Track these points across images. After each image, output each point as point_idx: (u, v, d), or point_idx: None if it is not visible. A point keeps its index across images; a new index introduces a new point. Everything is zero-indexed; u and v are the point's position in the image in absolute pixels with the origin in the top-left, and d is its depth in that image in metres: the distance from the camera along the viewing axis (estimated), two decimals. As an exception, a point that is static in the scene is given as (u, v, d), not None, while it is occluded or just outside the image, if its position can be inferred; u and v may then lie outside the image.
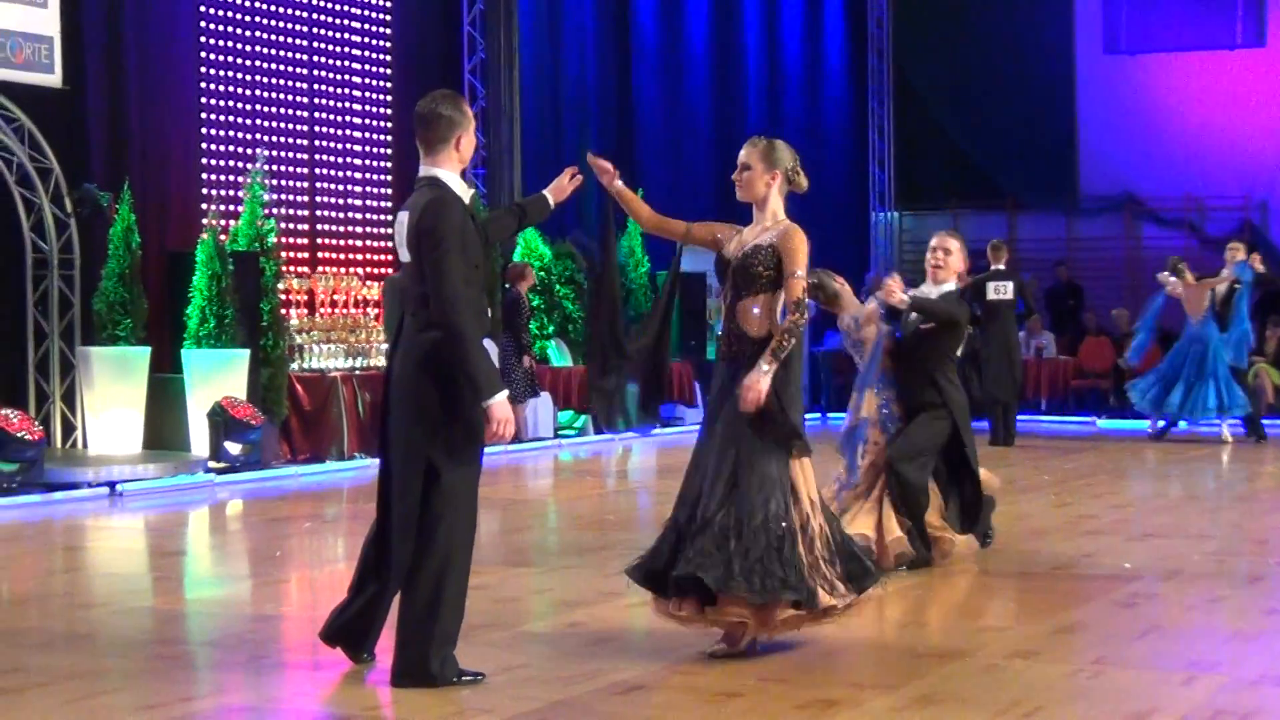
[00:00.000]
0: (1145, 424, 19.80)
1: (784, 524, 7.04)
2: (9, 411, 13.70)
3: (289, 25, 18.34)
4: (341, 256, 18.82)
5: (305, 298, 17.55)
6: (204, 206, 16.93)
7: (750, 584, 6.91)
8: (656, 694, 6.59)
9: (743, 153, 7.47)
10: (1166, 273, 19.13)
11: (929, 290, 9.99)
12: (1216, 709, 6.30)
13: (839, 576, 7.17)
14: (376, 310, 17.72)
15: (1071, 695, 6.57)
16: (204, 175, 17.35)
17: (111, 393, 15.16)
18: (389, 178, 19.42)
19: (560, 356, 20.35)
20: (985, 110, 27.26)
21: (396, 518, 6.71)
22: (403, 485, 6.69)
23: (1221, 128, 25.82)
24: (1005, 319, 18.47)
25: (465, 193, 6.77)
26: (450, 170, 6.75)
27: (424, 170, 6.77)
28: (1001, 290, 18.37)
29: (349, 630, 7.00)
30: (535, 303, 19.58)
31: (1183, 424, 19.33)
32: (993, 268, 18.58)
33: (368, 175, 19.26)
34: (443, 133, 6.72)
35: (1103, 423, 21.90)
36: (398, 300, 14.92)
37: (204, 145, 17.40)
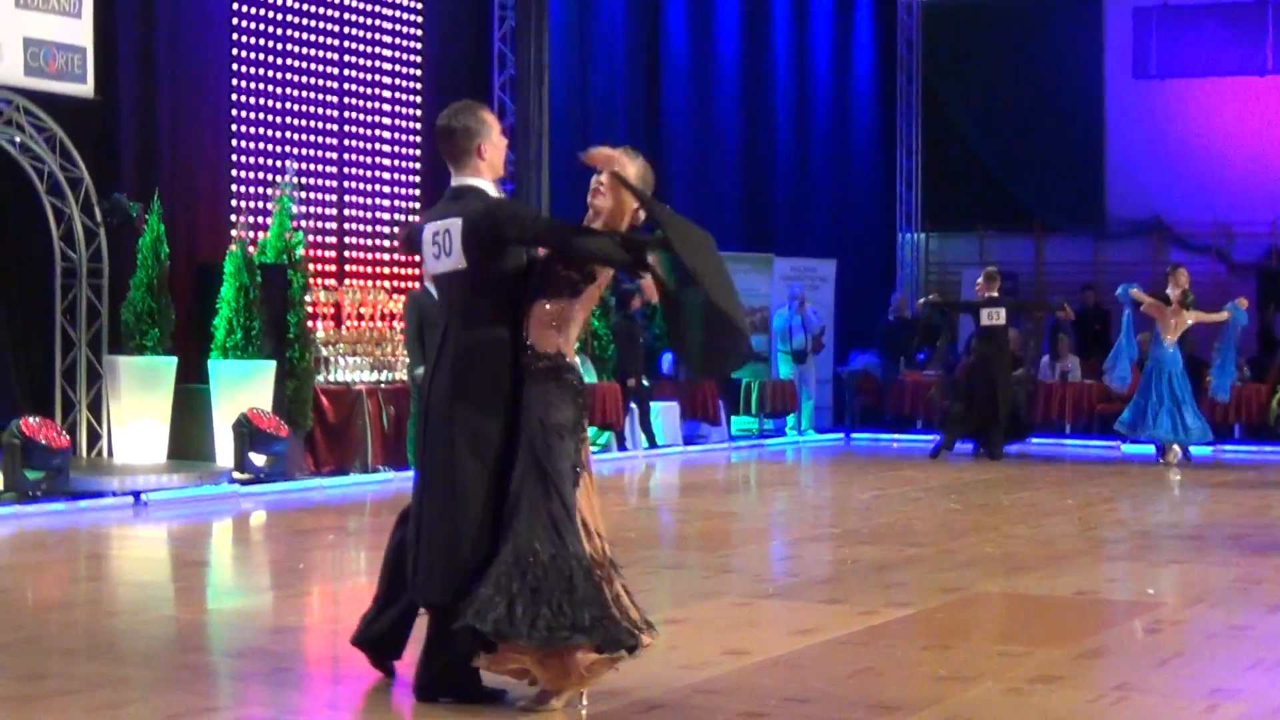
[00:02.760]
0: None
1: (574, 560, 6.34)
2: (36, 419, 13.74)
3: (320, 39, 18.38)
4: (368, 270, 18.84)
5: (332, 310, 17.58)
6: (233, 218, 16.97)
7: (533, 628, 6.22)
8: (677, 713, 6.57)
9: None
10: (1137, 287, 19.60)
11: None
12: (1239, 737, 6.29)
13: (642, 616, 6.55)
14: (402, 324, 17.73)
15: (1094, 721, 6.55)
16: (233, 187, 17.40)
17: (138, 402, 15.19)
18: (417, 192, 19.44)
19: (587, 374, 20.35)
20: (1013, 132, 27.24)
21: (467, 524, 6.44)
22: (473, 489, 6.45)
23: (1251, 153, 25.76)
24: (998, 343, 19.82)
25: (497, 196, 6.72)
26: (482, 179, 6.67)
27: (459, 179, 6.66)
28: (995, 316, 19.79)
29: (381, 640, 6.97)
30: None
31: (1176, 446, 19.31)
32: (985, 295, 19.95)
33: (396, 189, 19.28)
34: (463, 144, 6.64)
35: (1127, 447, 21.82)
36: (417, 315, 15.03)
37: (234, 157, 17.44)
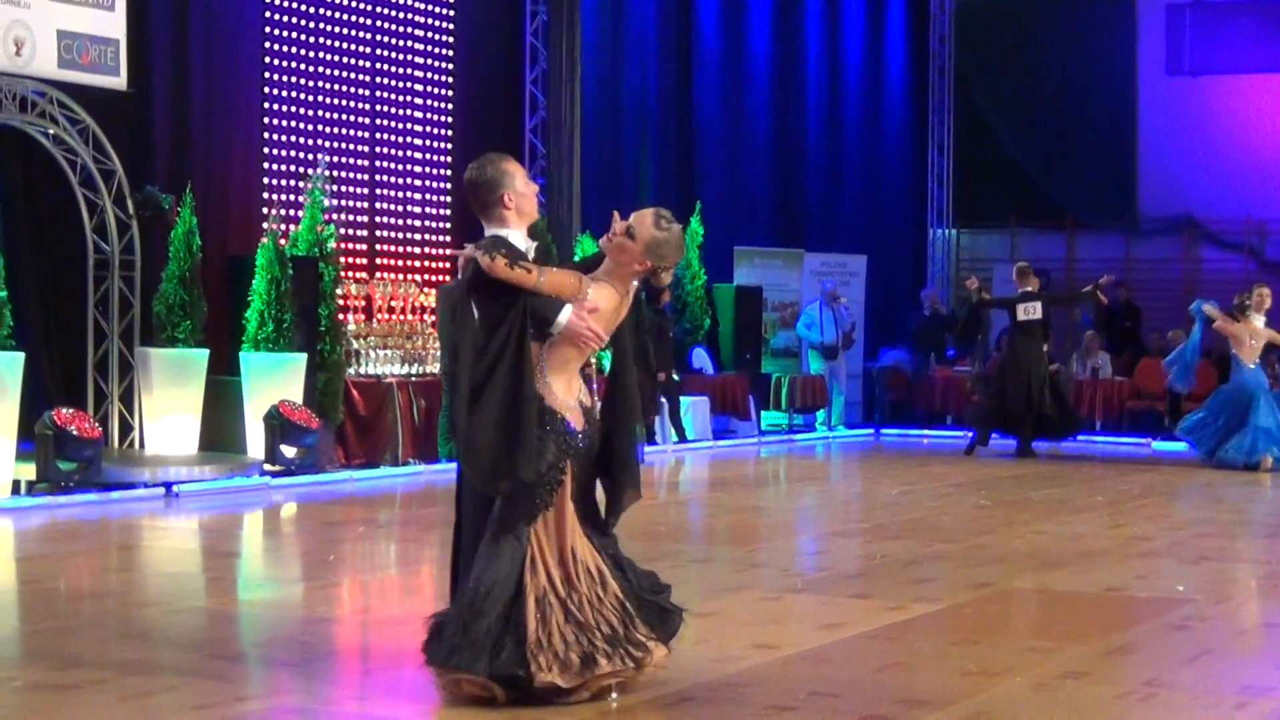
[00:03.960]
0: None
1: (486, 594, 6.48)
2: (68, 410, 13.81)
3: (352, 33, 18.42)
4: (399, 263, 18.88)
5: (363, 303, 17.63)
6: (265, 211, 17.01)
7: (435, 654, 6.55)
8: (706, 706, 6.59)
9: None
10: (1213, 304, 18.42)
11: None
12: (1268, 734, 6.28)
13: (604, 641, 6.51)
14: (433, 317, 17.76)
15: (1122, 717, 6.55)
16: (265, 180, 17.45)
17: (169, 394, 15.24)
18: (449, 185, 19.46)
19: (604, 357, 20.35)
20: (1046, 129, 27.21)
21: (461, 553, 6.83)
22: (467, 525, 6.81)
23: (1283, 150, 25.71)
24: (1033, 338, 19.61)
25: (526, 245, 6.77)
26: (507, 228, 6.73)
27: (487, 232, 6.76)
28: (1030, 311, 19.61)
29: None
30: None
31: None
32: (1021, 290, 19.82)
33: (427, 183, 19.32)
34: (486, 196, 6.74)
35: (1158, 444, 21.77)
36: (451, 307, 15.06)
37: (266, 150, 17.49)
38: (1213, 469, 17.73)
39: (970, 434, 20.28)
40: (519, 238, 6.75)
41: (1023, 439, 19.58)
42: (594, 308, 6.66)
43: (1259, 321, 18.02)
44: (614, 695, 6.56)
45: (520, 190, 6.77)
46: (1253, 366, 17.82)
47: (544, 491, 6.57)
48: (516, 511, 6.54)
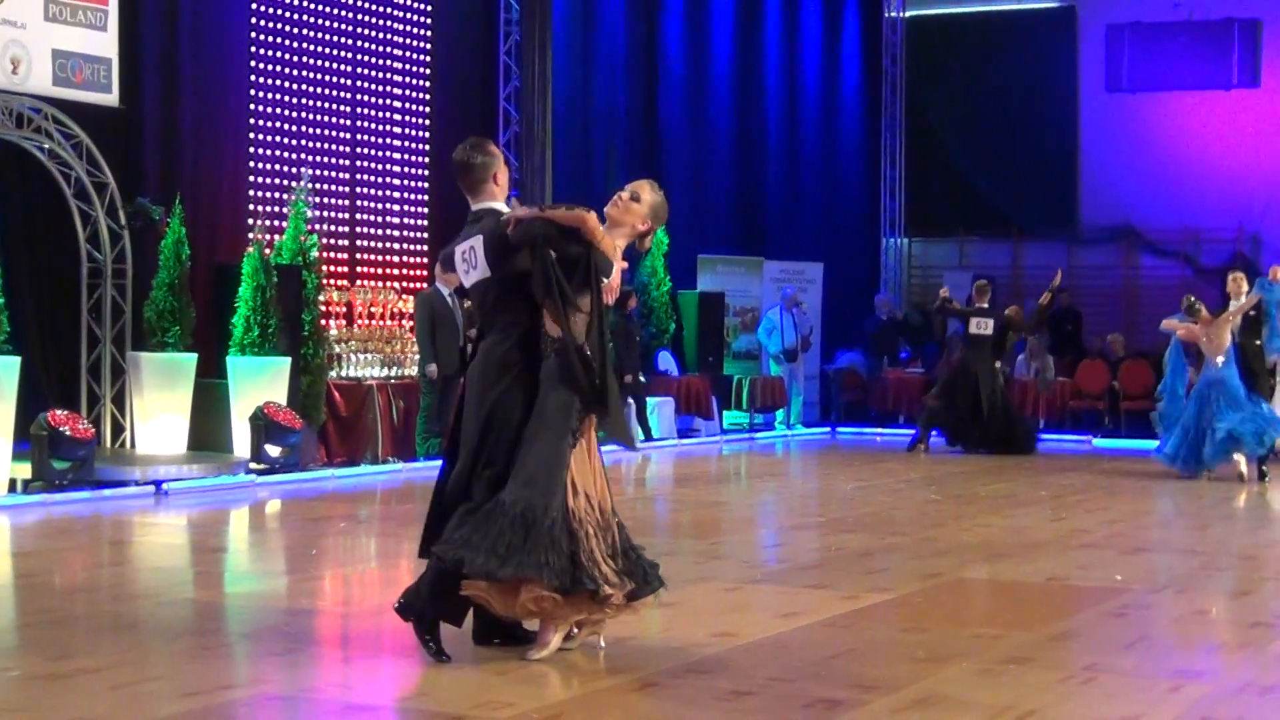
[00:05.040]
0: (1145, 443, 19.64)
1: (539, 508, 6.77)
2: (62, 412, 13.77)
3: (334, 52, 18.39)
4: (379, 271, 18.85)
5: (344, 309, 17.60)
6: (250, 222, 16.97)
7: (492, 561, 6.69)
8: (670, 692, 6.60)
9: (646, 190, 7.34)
10: (1174, 319, 16.84)
11: None
12: (1202, 715, 6.30)
13: (616, 572, 6.94)
14: (411, 322, 17.74)
15: (1063, 699, 6.57)
16: (251, 192, 17.41)
17: (159, 396, 15.21)
18: (426, 198, 19.45)
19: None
20: (993, 143, 27.30)
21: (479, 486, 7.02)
22: (492, 455, 6.99)
23: (1217, 163, 25.81)
24: (984, 351, 19.77)
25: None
26: (496, 201, 7.30)
27: (479, 204, 7.30)
28: (983, 326, 19.79)
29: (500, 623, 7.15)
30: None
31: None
32: (976, 305, 20.02)
33: (406, 195, 19.29)
34: (480, 174, 7.29)
35: (1098, 441, 21.86)
36: (429, 313, 15.20)
37: (252, 164, 17.46)
38: (1193, 477, 16.28)
39: (914, 431, 20.38)
40: (504, 207, 7.28)
41: (965, 447, 19.71)
42: (624, 266, 7.30)
43: (1233, 306, 16.88)
44: (602, 644, 7.05)
45: (503, 169, 7.36)
46: (1220, 362, 16.16)
47: (579, 418, 6.98)
48: (552, 432, 6.89)
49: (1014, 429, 19.93)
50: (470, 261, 7.16)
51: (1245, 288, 17.15)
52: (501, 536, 6.70)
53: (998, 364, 19.93)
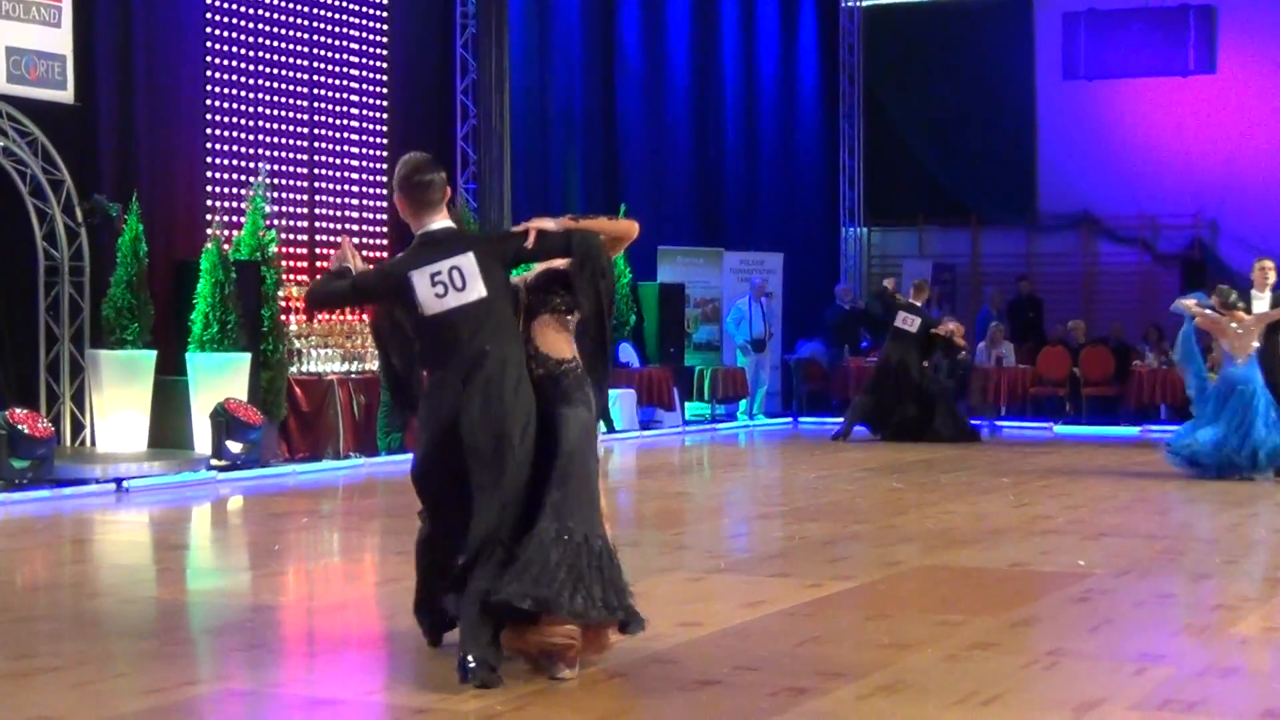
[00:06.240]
0: (1106, 430, 19.71)
1: (600, 540, 6.60)
2: (22, 410, 13.70)
3: (291, 46, 18.31)
4: (339, 266, 18.76)
5: (304, 304, 17.54)
6: (208, 217, 16.90)
7: (572, 603, 6.40)
8: (635, 682, 6.60)
9: None
10: (1190, 300, 15.49)
11: None
12: (1165, 698, 6.33)
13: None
14: (370, 317, 17.71)
15: (1027, 684, 6.59)
16: (208, 188, 17.32)
17: (119, 394, 15.14)
18: (384, 190, 19.39)
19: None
20: (950, 132, 27.37)
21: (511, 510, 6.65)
22: (516, 480, 6.64)
23: (1174, 150, 25.93)
24: (907, 346, 19.91)
25: None
26: (449, 221, 6.94)
27: (439, 224, 6.87)
28: (909, 323, 19.96)
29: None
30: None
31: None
32: (911, 301, 20.19)
33: (364, 189, 19.23)
34: (441, 192, 6.89)
35: (1059, 428, 21.95)
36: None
37: (209, 159, 17.37)
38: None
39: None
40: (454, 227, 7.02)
41: (884, 436, 19.88)
42: None
43: (1260, 304, 15.26)
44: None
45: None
46: (1243, 361, 14.89)
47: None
48: (595, 466, 6.82)
49: (941, 417, 19.91)
50: (452, 283, 6.67)
51: (1272, 278, 15.30)
52: (583, 575, 6.44)
53: (925, 364, 19.95)
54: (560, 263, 6.88)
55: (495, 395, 6.61)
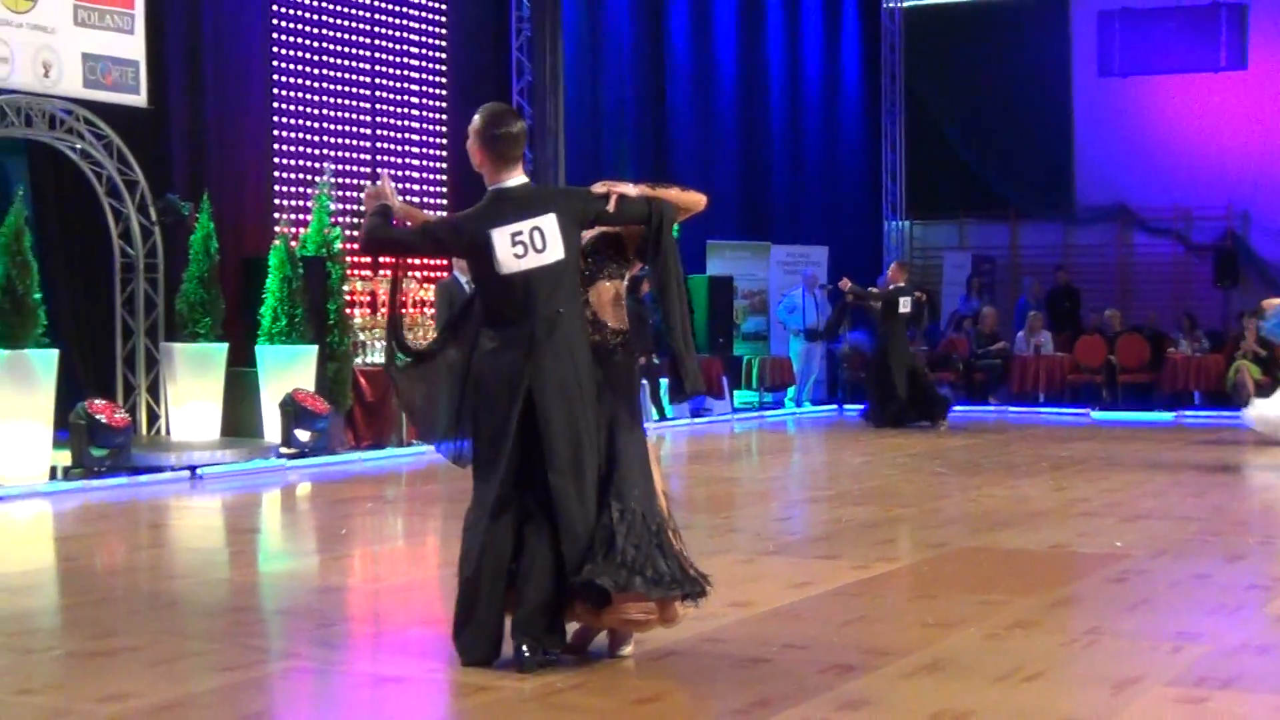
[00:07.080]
0: (1134, 415, 19.57)
1: (658, 517, 6.43)
2: (100, 401, 13.80)
3: (353, 50, 18.39)
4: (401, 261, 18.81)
5: (368, 298, 17.61)
6: (276, 215, 16.99)
7: (645, 580, 6.25)
8: (689, 659, 6.60)
9: None
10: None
11: None
12: (1200, 675, 6.30)
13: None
14: (432, 310, 17.73)
15: (1067, 662, 6.57)
16: (276, 187, 17.42)
17: (192, 385, 15.22)
18: (444, 189, 19.44)
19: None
20: (989, 127, 27.25)
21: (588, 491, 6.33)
22: (590, 459, 6.33)
23: (1206, 144, 25.75)
24: (898, 327, 19.72)
25: None
26: (522, 179, 6.58)
27: (516, 180, 6.49)
28: (903, 305, 19.70)
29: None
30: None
31: None
32: (893, 285, 19.90)
33: (425, 188, 19.29)
34: (519, 148, 6.53)
35: (1096, 414, 21.84)
36: (449, 301, 15.03)
37: (276, 160, 17.47)
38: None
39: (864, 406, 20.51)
40: None
41: (884, 419, 19.74)
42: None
43: None
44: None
45: None
46: None
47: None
48: (645, 442, 6.56)
49: (926, 397, 19.86)
50: (532, 244, 6.30)
51: None
52: (641, 550, 6.26)
53: (910, 347, 19.92)
54: (615, 229, 6.62)
55: (568, 357, 6.31)
